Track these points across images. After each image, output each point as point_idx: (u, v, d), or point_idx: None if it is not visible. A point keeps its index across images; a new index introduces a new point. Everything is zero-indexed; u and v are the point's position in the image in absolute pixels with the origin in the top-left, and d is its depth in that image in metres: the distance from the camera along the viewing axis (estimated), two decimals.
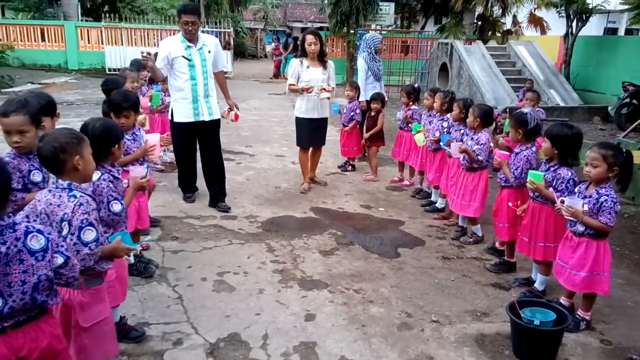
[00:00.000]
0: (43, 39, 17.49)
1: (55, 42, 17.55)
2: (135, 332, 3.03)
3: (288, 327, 3.24)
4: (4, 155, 2.55)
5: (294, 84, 5.68)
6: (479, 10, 17.57)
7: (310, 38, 5.57)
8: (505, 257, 4.23)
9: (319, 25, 26.99)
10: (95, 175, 2.46)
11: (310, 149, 6.07)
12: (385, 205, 5.68)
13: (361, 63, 7.12)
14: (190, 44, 4.94)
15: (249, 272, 3.96)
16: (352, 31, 17.17)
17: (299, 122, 5.89)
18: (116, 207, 2.56)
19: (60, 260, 1.84)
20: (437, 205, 5.55)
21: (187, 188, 5.46)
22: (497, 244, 4.47)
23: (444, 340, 3.19)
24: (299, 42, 5.96)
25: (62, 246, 1.87)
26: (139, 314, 3.28)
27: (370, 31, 11.77)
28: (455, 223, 5.06)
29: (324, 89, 5.58)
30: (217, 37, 5.27)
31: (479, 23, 18.68)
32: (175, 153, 5.42)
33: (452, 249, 4.62)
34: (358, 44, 15.31)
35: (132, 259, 3.70)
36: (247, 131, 9.22)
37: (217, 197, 5.30)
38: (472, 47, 13.49)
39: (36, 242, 1.78)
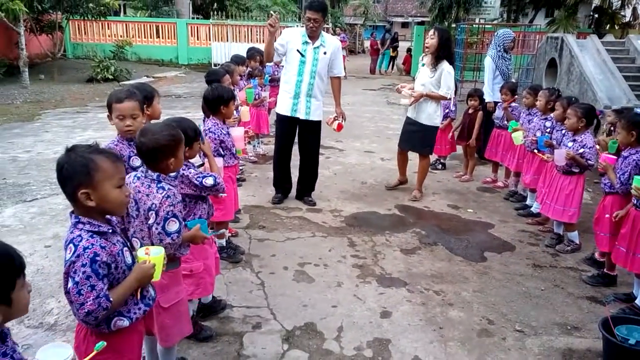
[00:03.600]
0: (157, 36, 18.89)
1: (168, 38, 18.87)
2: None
3: (363, 322, 3.25)
4: (108, 142, 2.78)
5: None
6: (596, 1, 16.20)
7: (430, 32, 5.30)
8: (604, 270, 3.89)
9: (420, 19, 26.48)
10: None
11: (417, 156, 5.70)
12: (475, 207, 5.47)
13: (488, 62, 6.72)
14: (309, 41, 4.91)
15: (329, 265, 4.01)
16: (453, 25, 16.63)
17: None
18: (208, 181, 2.68)
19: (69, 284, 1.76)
20: (532, 209, 5.24)
21: (279, 186, 5.39)
22: (596, 255, 4.14)
23: (527, 352, 3.02)
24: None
25: (75, 272, 1.73)
26: (223, 295, 3.46)
27: (473, 25, 11.36)
28: (550, 229, 4.75)
29: (407, 93, 5.27)
30: None
31: (595, 16, 17.22)
32: (275, 143, 5.43)
33: (545, 256, 4.35)
34: (458, 38, 14.83)
35: (223, 242, 3.95)
36: None
37: (304, 191, 5.40)
38: (585, 42, 12.46)
39: (68, 253, 1.77)
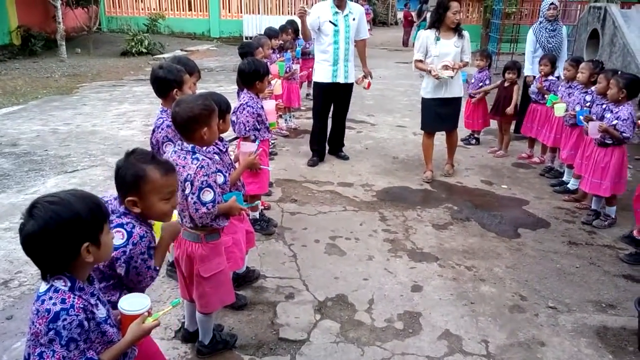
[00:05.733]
0: (190, 9, 18.93)
1: (200, 11, 18.89)
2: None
3: (394, 295, 3.29)
4: (160, 117, 2.81)
5: (421, 60, 5.11)
6: None
7: (456, 5, 4.89)
8: None
9: None
10: None
11: (445, 132, 5.51)
12: (509, 183, 5.38)
13: (529, 34, 6.45)
14: (338, 10, 5.38)
15: (360, 238, 4.05)
16: None
17: (425, 103, 5.29)
18: (219, 178, 2.54)
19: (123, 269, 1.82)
20: (568, 186, 5.13)
21: (316, 150, 5.78)
22: (635, 233, 4.02)
23: (559, 328, 3.00)
24: (430, 9, 5.72)
25: (132, 258, 1.79)
26: (257, 266, 3.54)
27: None
28: (587, 207, 4.65)
29: (447, 66, 4.92)
30: None
31: None
32: (313, 109, 5.88)
33: (581, 234, 4.27)
34: (496, 8, 14.33)
35: (257, 215, 4.01)
36: (371, 100, 9.21)
37: (337, 147, 5.96)
38: (630, 12, 11.89)
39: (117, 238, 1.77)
